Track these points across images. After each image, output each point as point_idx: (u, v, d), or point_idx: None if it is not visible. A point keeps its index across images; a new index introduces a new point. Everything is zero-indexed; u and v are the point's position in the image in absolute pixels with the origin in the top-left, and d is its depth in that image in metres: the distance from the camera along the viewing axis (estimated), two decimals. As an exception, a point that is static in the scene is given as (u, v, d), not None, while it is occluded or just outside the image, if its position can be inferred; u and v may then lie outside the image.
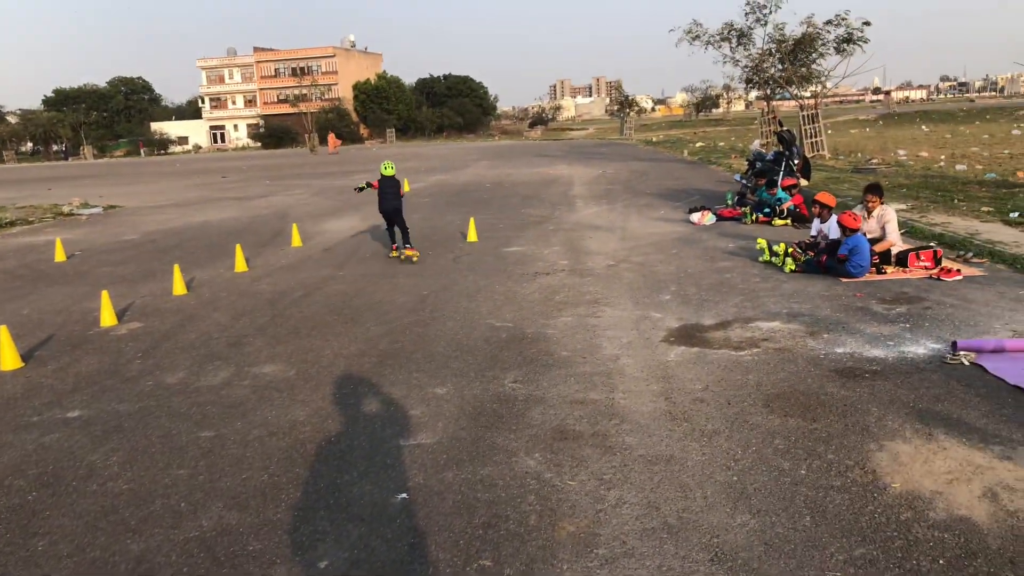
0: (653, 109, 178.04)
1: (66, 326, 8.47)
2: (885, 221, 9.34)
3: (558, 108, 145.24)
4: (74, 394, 6.17)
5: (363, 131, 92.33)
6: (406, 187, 22.72)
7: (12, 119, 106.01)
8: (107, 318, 8.38)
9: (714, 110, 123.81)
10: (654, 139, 53.75)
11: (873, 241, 9.09)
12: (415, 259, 11.30)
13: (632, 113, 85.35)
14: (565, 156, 38.90)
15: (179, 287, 9.82)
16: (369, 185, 12.06)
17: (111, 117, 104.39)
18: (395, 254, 11.80)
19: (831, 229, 9.62)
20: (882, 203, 9.59)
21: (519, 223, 14.78)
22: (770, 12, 27.35)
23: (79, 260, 13.17)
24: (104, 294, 8.61)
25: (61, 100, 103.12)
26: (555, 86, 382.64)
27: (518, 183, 24.06)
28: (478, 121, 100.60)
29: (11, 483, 4.60)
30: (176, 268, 10.08)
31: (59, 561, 3.73)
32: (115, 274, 11.53)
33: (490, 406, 5.42)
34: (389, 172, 11.62)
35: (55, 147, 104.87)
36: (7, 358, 6.91)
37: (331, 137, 62.15)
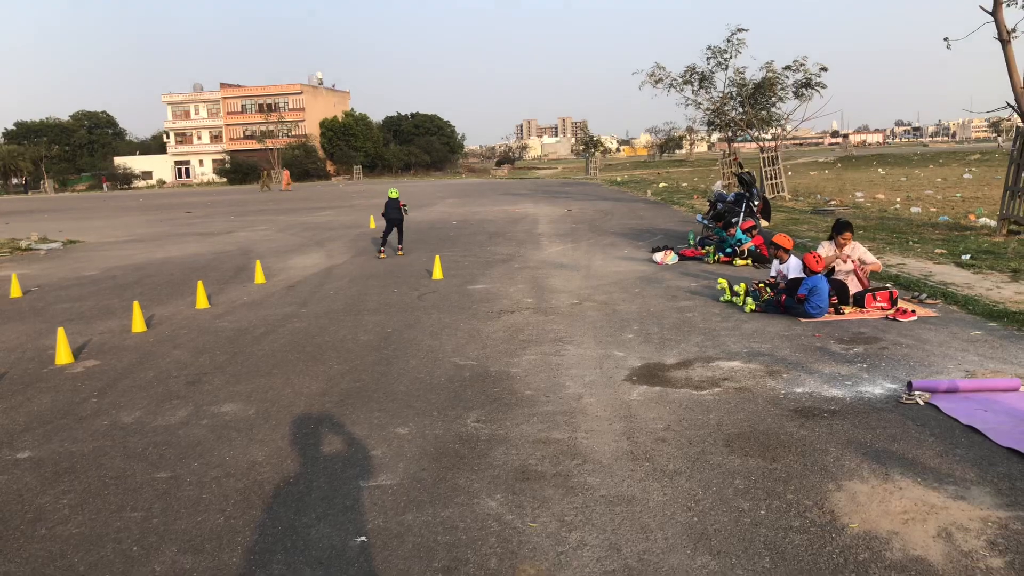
0: (618, 149, 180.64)
1: (20, 364, 8.28)
2: (860, 253, 9.61)
3: (525, 147, 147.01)
4: (25, 434, 6.01)
5: (329, 168, 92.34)
6: (371, 224, 22.77)
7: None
8: (63, 356, 8.21)
9: (677, 151, 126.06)
10: (619, 179, 54.46)
11: (843, 273, 9.40)
12: (400, 254, 16.48)
13: (597, 153, 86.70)
14: (531, 195, 39.24)
15: (138, 324, 9.66)
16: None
17: (73, 151, 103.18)
18: (383, 256, 16.26)
19: (790, 270, 9.80)
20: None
21: (485, 261, 14.83)
22: (731, 57, 28.05)
23: (36, 296, 12.91)
24: (60, 331, 8.44)
25: (22, 133, 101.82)
26: (522, 125, 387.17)
27: (484, 221, 24.19)
28: (445, 159, 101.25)
29: (-45, 527, 4.45)
30: (136, 305, 9.92)
31: (3, 609, 3.61)
32: (73, 311, 11.32)
33: (452, 446, 5.39)
34: (394, 195, 16.63)
35: (15, 180, 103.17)
36: (-44, 397, 6.73)
37: (285, 174, 61.85)
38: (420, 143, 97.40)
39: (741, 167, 18.84)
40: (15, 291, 12.97)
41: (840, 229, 9.92)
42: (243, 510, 4.52)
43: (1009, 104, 15.27)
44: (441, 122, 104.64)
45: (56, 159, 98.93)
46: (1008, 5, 15.00)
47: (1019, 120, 15.71)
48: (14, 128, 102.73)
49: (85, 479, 5.07)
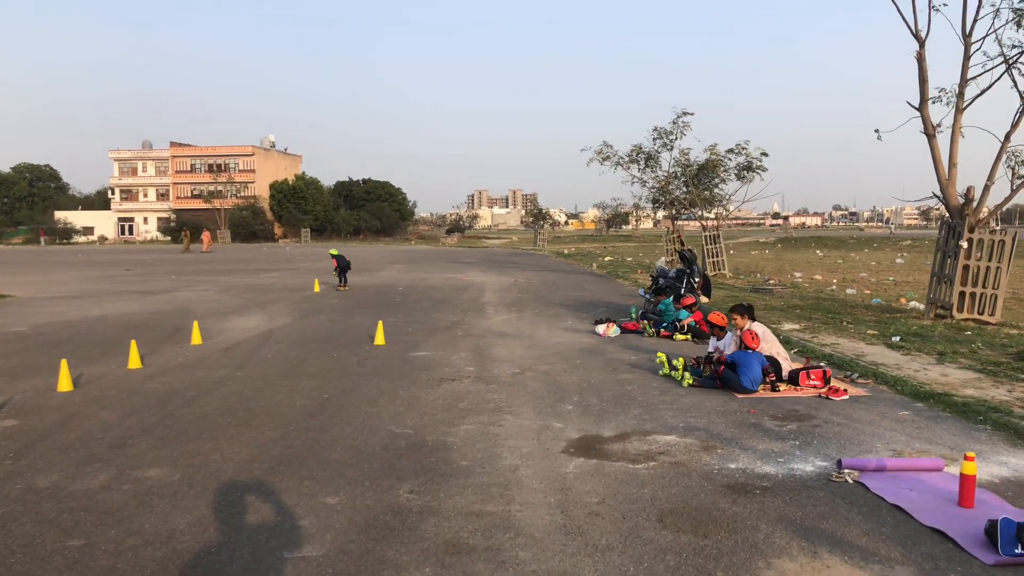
0: (566, 223, 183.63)
1: (-68, 422, 7.89)
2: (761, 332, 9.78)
3: (475, 217, 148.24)
4: (-70, 497, 5.69)
5: (277, 230, 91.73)
6: (316, 287, 22.59)
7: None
8: (-21, 414, 7.86)
9: (624, 226, 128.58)
10: (566, 251, 55.22)
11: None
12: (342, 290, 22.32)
13: (546, 225, 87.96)
14: (480, 263, 39.47)
15: (65, 383, 9.33)
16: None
17: (12, 203, 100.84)
18: (343, 288, 23.02)
19: (727, 346, 9.98)
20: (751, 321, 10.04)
21: (429, 328, 14.78)
22: (676, 138, 28.94)
23: (-43, 351, 12.39)
24: (-21, 388, 8.10)
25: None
26: (473, 195, 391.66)
27: (431, 287, 24.19)
28: (396, 225, 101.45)
29: None
30: (63, 363, 9.59)
31: None
32: (-5, 367, 10.88)
33: (383, 517, 5.27)
34: (335, 252, 24.57)
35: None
36: None
37: (205, 235, 60.78)
38: (371, 208, 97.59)
39: (683, 244, 19.29)
40: (-65, 345, 12.44)
41: (737, 312, 10.17)
42: (159, 581, 4.32)
43: (935, 194, 16.04)
44: (392, 189, 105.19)
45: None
46: (933, 102, 15.90)
47: (944, 210, 16.47)
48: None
49: (-9, 546, 4.80)
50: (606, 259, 41.27)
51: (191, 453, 6.74)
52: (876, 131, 17.39)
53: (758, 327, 9.88)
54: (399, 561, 4.58)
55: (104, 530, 5.05)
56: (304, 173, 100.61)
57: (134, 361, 10.83)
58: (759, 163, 28.41)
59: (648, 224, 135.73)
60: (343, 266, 23.71)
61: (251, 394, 9.10)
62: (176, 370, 10.61)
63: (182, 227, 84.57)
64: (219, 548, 4.77)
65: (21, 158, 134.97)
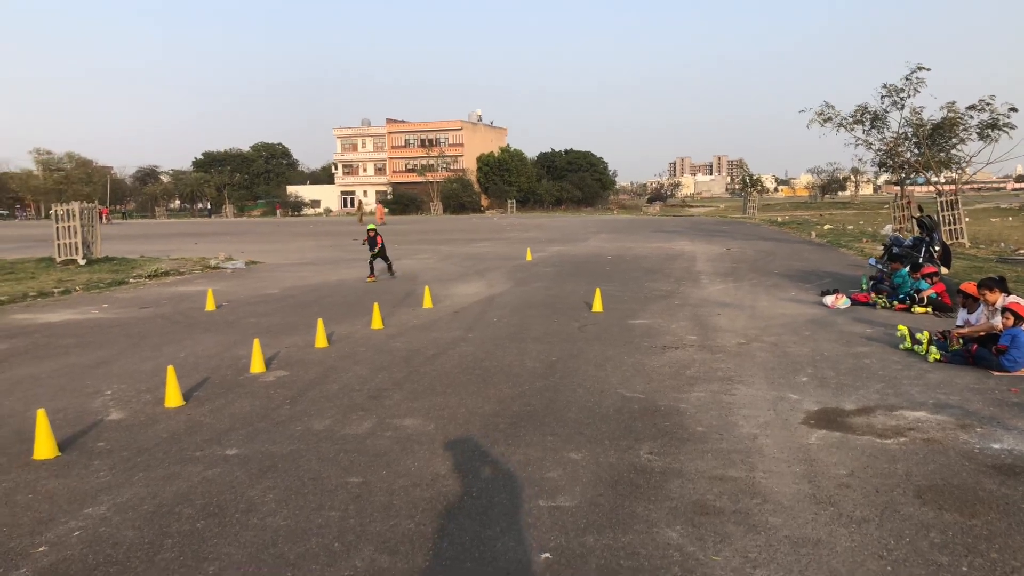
0: (776, 189, 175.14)
1: (219, 370, 9.07)
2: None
3: (677, 185, 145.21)
4: (230, 433, 6.59)
5: (484, 201, 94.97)
6: (528, 256, 23.23)
7: (165, 178, 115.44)
8: (257, 365, 8.93)
9: (840, 193, 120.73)
10: (779, 219, 52.77)
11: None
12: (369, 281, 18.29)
13: (755, 192, 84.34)
14: (687, 232, 38.73)
15: (321, 340, 10.35)
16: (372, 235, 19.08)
17: (251, 179, 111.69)
18: (371, 279, 18.46)
19: (978, 320, 9.21)
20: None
21: (644, 296, 14.80)
22: (908, 96, 26.72)
23: (227, 310, 14.08)
24: (256, 343, 9.19)
25: (208, 162, 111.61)
26: (675, 163, 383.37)
27: (640, 257, 24.13)
28: (596, 195, 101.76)
29: (180, 510, 4.95)
30: (320, 322, 10.64)
31: (227, 586, 3.99)
32: (260, 325, 12.26)
33: (627, 475, 5.44)
34: (372, 227, 19.45)
35: (199, 205, 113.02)
36: (172, 396, 7.47)
37: (379, 208, 64.59)
38: (572, 179, 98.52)
39: (921, 210, 17.86)
40: (210, 305, 14.20)
41: (990, 285, 9.20)
42: (431, 518, 4.76)
43: None
44: (594, 158, 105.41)
45: (236, 186, 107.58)
46: None
47: None
48: (202, 158, 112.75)
49: (286, 477, 5.50)
50: (825, 227, 39.01)
51: (440, 406, 7.28)
52: None
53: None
54: (649, 517, 4.73)
55: (376, 471, 5.62)
56: (509, 145, 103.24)
57: (376, 322, 11.78)
58: (1006, 120, 25.61)
59: (867, 190, 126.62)
60: (378, 249, 18.91)
61: (483, 355, 9.62)
62: (414, 331, 11.42)
63: (399, 199, 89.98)
64: (479, 493, 5.15)
65: (257, 138, 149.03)
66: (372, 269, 18.80)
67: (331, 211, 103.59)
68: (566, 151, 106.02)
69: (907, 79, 26.20)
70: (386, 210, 72.45)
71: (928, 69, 25.89)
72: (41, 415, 6.08)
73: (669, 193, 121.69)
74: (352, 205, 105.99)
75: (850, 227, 39.28)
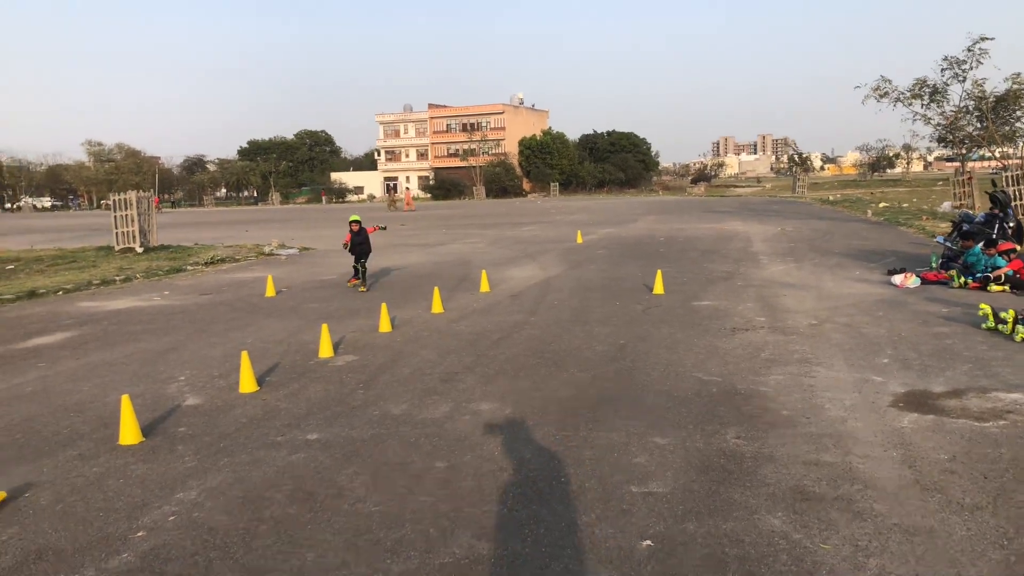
0: (822, 167, 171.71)
1: (288, 355, 9.11)
2: None
3: (721, 165, 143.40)
4: (309, 418, 6.59)
5: (526, 185, 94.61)
6: (579, 239, 23.04)
7: (211, 167, 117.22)
8: (325, 350, 8.94)
9: (888, 170, 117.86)
10: (830, 198, 51.68)
11: None
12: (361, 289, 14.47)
13: (802, 171, 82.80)
14: (736, 212, 38.09)
15: (385, 324, 10.34)
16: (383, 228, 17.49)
17: (296, 166, 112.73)
18: (355, 285, 14.74)
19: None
20: None
21: (704, 277, 14.55)
22: (970, 68, 25.79)
23: (287, 296, 14.18)
24: (324, 328, 9.21)
25: (254, 151, 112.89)
26: (718, 142, 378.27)
27: (693, 238, 23.77)
28: (640, 176, 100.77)
29: (271, 495, 4.95)
30: (383, 306, 10.63)
31: (328, 574, 3.95)
32: (322, 310, 12.31)
33: (717, 460, 5.30)
34: (356, 218, 14.94)
35: (246, 193, 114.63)
36: (247, 382, 7.51)
37: (407, 194, 64.45)
38: (615, 160, 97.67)
39: (995, 185, 17.25)
40: (270, 291, 14.32)
41: None
42: (523, 504, 4.68)
43: None
44: (637, 139, 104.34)
45: (281, 174, 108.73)
46: None
47: None
48: (247, 146, 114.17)
49: (371, 463, 5.47)
50: (880, 205, 38.07)
51: (514, 390, 7.20)
52: None
53: None
54: (748, 504, 4.59)
55: (460, 455, 5.56)
56: (551, 128, 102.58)
57: (437, 306, 11.75)
58: (1077, 91, 24.60)
59: (918, 167, 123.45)
60: (359, 247, 14.61)
61: (550, 338, 9.52)
62: (475, 315, 11.36)
63: (441, 185, 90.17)
64: (568, 478, 5.06)
65: (301, 126, 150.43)
66: (357, 272, 14.64)
67: (374, 197, 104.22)
68: (608, 132, 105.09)
69: (969, 50, 25.28)
70: (415, 195, 72.37)
71: (992, 39, 24.99)
72: (125, 401, 6.14)
73: (713, 173, 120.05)
74: (395, 191, 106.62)
75: (905, 205, 38.27)
